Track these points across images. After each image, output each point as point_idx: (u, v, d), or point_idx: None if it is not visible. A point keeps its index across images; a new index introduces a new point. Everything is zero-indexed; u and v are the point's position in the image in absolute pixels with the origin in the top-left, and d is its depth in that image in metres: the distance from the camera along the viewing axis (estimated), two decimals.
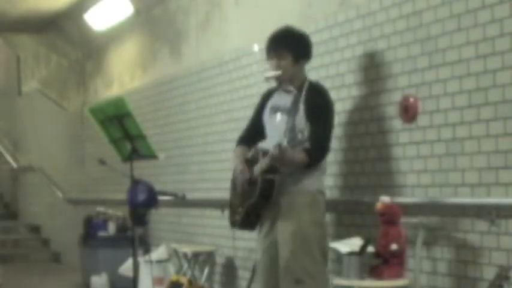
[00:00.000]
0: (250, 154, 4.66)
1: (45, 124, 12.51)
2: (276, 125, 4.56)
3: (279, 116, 4.58)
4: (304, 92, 4.54)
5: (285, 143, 4.19)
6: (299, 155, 4.35)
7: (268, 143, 4.54)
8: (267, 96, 4.82)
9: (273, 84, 4.79)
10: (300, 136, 4.23)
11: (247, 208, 4.56)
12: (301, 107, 4.47)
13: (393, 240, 4.34)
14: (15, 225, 13.14)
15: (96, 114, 5.20)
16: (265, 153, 4.45)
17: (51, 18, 10.28)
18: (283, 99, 4.61)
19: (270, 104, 4.71)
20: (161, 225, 8.19)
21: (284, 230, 4.49)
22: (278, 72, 4.58)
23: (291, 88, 4.59)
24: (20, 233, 12.86)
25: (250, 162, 4.59)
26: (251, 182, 4.54)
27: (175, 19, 8.01)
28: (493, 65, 4.10)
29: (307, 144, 4.27)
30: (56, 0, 9.56)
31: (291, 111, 4.44)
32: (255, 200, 4.49)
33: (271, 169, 4.41)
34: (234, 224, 4.76)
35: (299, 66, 4.63)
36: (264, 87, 6.25)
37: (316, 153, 4.43)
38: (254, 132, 4.80)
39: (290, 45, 4.59)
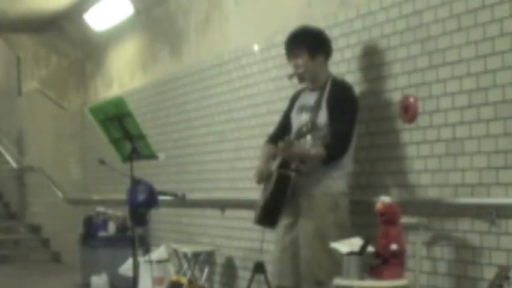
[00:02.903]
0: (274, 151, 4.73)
1: (45, 124, 12.50)
2: (301, 124, 4.60)
3: (304, 115, 4.62)
4: (327, 89, 4.58)
5: (292, 137, 4.22)
6: (315, 149, 4.38)
7: None
8: (295, 96, 4.90)
9: (302, 84, 4.87)
10: (304, 129, 4.27)
11: (263, 204, 4.58)
12: (324, 104, 4.52)
13: (393, 240, 4.33)
14: (15, 225, 13.14)
15: (96, 114, 5.19)
16: None
17: (51, 18, 10.28)
18: (308, 98, 4.68)
19: (298, 104, 4.78)
20: (161, 225, 8.19)
21: (306, 231, 4.50)
22: (299, 71, 4.62)
23: (313, 86, 4.66)
24: (20, 233, 12.85)
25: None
26: (270, 178, 4.58)
27: (175, 19, 8.00)
28: (493, 65, 4.09)
29: (328, 140, 4.28)
30: (56, 0, 9.56)
31: (314, 109, 4.49)
32: (269, 196, 4.50)
33: (285, 164, 4.43)
34: (254, 219, 4.78)
35: (318, 63, 4.68)
36: (264, 87, 6.28)
37: (334, 149, 4.47)
38: (282, 131, 4.84)
39: (303, 43, 4.66)
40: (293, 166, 4.48)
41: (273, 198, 4.53)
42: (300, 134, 4.30)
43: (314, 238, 4.46)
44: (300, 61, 4.64)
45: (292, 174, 4.49)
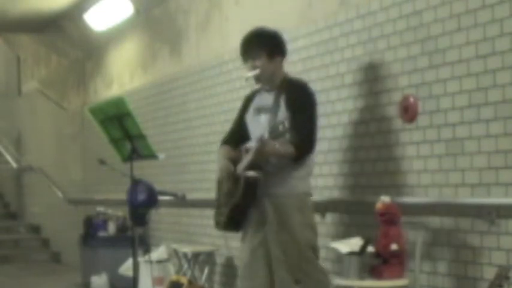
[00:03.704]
0: (234, 154, 4.66)
1: (45, 124, 12.51)
2: (260, 126, 4.56)
3: (263, 117, 4.59)
4: (284, 89, 4.55)
5: (266, 135, 4.18)
6: (285, 147, 4.33)
7: (253, 144, 4.54)
8: (249, 98, 4.83)
9: (255, 85, 4.81)
10: (280, 128, 4.20)
11: (231, 208, 4.55)
12: (282, 103, 4.49)
13: (393, 240, 4.34)
14: (15, 225, 13.15)
15: (96, 114, 5.19)
16: (248, 150, 4.46)
17: (51, 18, 10.28)
18: (265, 99, 4.63)
19: (253, 105, 4.72)
20: (161, 225, 8.19)
21: (275, 233, 4.48)
22: (257, 71, 4.59)
23: (269, 87, 4.61)
24: (20, 233, 12.86)
25: (234, 162, 4.59)
26: (236, 180, 4.54)
27: (175, 19, 8.01)
28: (493, 65, 4.10)
29: (288, 136, 4.23)
30: (56, 0, 9.56)
31: (273, 110, 4.47)
32: (238, 199, 4.47)
33: (254, 165, 4.40)
34: (218, 224, 4.71)
35: (275, 64, 4.64)
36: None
37: (303, 145, 4.42)
38: (238, 134, 4.79)
39: (262, 44, 4.61)
40: (260, 167, 4.44)
41: (243, 202, 4.49)
42: (277, 133, 4.22)
43: (285, 240, 4.43)
44: (258, 62, 4.61)
45: (261, 175, 4.45)
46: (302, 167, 4.52)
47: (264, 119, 4.56)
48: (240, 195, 4.46)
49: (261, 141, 4.21)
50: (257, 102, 4.70)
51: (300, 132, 4.34)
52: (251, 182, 4.42)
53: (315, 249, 4.51)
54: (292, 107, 4.45)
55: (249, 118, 4.72)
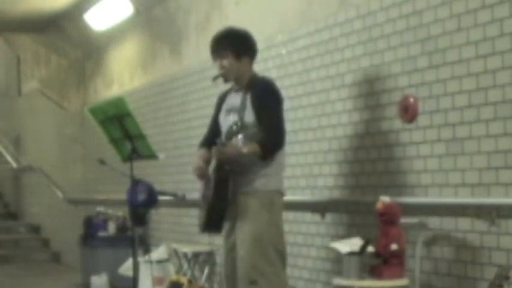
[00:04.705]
0: (208, 156, 4.68)
1: (45, 124, 12.51)
2: (229, 126, 4.58)
3: (231, 117, 4.60)
4: (249, 89, 4.57)
5: (223, 138, 4.18)
6: (250, 147, 4.34)
7: None
8: (222, 98, 4.85)
9: (225, 86, 4.81)
10: (234, 128, 4.20)
11: (207, 210, 4.56)
12: (248, 103, 4.51)
13: (393, 240, 4.34)
14: (15, 225, 13.15)
15: (96, 114, 5.19)
16: None
17: (51, 18, 10.28)
18: (234, 99, 4.66)
19: (225, 106, 4.74)
20: (161, 225, 8.19)
21: (241, 230, 4.49)
22: (222, 71, 4.61)
23: (238, 86, 4.64)
24: (20, 233, 12.85)
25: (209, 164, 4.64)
26: (208, 182, 4.56)
27: (175, 19, 8.01)
28: (493, 65, 4.10)
29: (260, 137, 4.24)
30: (56, 0, 9.56)
31: (240, 110, 4.49)
32: (211, 202, 4.48)
33: (221, 167, 4.41)
34: (200, 226, 4.73)
35: (243, 63, 4.65)
36: None
37: (269, 143, 4.43)
38: (212, 135, 4.81)
39: (228, 44, 4.63)
40: (227, 167, 4.43)
41: (216, 204, 4.49)
42: (231, 134, 4.26)
43: (249, 237, 4.44)
44: (225, 62, 4.63)
45: (230, 175, 4.46)
46: (271, 164, 4.52)
47: (232, 119, 4.59)
48: (211, 198, 4.47)
49: (218, 144, 4.24)
50: (228, 102, 4.73)
51: (265, 130, 4.36)
52: (221, 183, 4.43)
53: (280, 252, 4.50)
54: (256, 106, 4.48)
55: (222, 118, 4.75)
